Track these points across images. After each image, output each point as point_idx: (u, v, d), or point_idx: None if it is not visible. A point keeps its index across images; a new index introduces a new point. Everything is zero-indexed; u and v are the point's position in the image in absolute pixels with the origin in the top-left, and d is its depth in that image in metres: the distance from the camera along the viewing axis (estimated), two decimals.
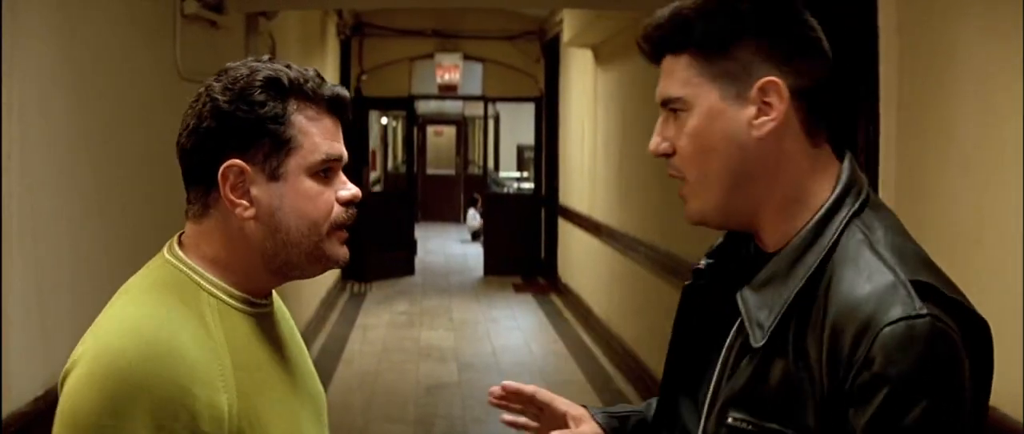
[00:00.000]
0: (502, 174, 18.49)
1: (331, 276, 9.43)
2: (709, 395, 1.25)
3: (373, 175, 14.21)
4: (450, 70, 11.80)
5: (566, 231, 9.95)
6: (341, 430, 5.76)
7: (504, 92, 12.29)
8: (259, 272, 1.31)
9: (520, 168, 18.90)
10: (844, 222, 1.20)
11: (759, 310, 1.20)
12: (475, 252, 13.39)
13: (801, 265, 1.19)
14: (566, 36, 8.77)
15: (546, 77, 10.95)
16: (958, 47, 2.45)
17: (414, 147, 13.68)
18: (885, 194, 2.82)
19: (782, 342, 1.18)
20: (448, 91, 12.16)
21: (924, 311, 1.13)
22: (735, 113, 1.21)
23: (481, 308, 9.64)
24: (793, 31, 1.24)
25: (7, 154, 2.39)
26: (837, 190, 1.22)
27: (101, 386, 1.18)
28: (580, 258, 8.96)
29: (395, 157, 18.80)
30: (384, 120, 17.70)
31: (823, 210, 1.21)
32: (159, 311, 1.23)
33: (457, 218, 18.22)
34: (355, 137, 10.78)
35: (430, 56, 11.81)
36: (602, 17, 7.12)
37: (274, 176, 1.28)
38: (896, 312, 1.12)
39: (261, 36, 5.41)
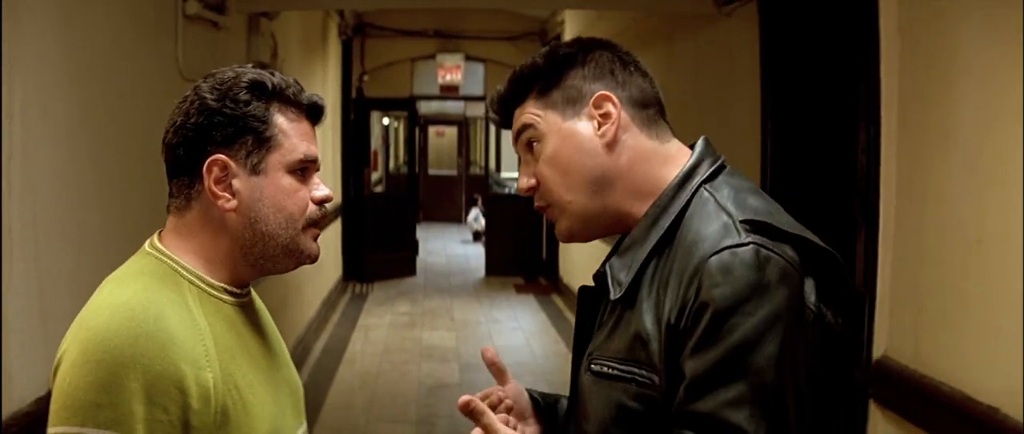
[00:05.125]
0: (503, 174, 18.48)
1: (333, 277, 9.44)
2: (585, 350, 1.38)
3: (375, 176, 14.20)
4: (452, 71, 11.81)
5: None
6: (343, 430, 5.76)
7: None
8: (237, 263, 1.40)
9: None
10: (694, 188, 1.34)
11: (620, 271, 1.35)
12: (476, 253, 13.39)
13: (656, 228, 1.34)
14: (567, 37, 8.76)
15: None
16: (959, 48, 2.45)
17: (416, 148, 13.66)
18: (886, 194, 2.82)
19: (639, 294, 1.31)
20: (450, 92, 12.17)
21: (747, 240, 1.23)
22: (581, 129, 1.38)
23: (483, 309, 9.64)
24: (612, 58, 1.41)
25: (8, 155, 2.39)
26: (688, 165, 1.37)
27: (94, 366, 1.23)
28: (582, 259, 8.96)
29: (396, 158, 18.79)
30: (385, 121, 17.69)
31: (675, 181, 1.36)
32: (145, 294, 1.30)
33: (459, 218, 18.21)
34: (356, 138, 10.78)
35: (432, 57, 11.82)
36: (603, 18, 7.12)
37: (255, 171, 1.37)
38: (722, 244, 1.23)
39: (263, 37, 5.41)
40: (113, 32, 3.21)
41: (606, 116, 1.37)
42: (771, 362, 1.18)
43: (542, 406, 1.54)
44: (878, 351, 2.81)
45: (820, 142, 3.72)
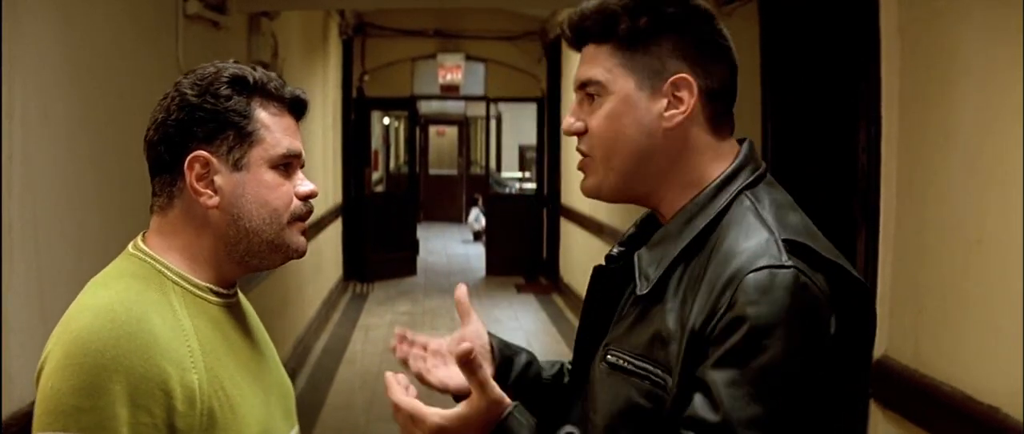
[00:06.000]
0: (504, 174, 18.50)
1: (333, 276, 9.44)
2: (603, 340, 1.35)
3: (375, 175, 14.20)
4: (452, 70, 11.79)
5: (568, 231, 9.95)
6: (343, 430, 5.77)
7: (506, 92, 12.27)
8: (222, 261, 1.37)
9: (522, 168, 18.90)
10: (735, 193, 1.31)
11: (649, 265, 1.32)
12: (477, 252, 13.39)
13: (691, 227, 1.30)
14: None
15: (548, 77, 10.94)
16: (959, 47, 2.45)
17: (416, 147, 13.66)
18: (886, 194, 2.82)
19: (665, 292, 1.28)
20: (450, 91, 12.14)
21: (789, 263, 1.21)
22: (648, 104, 1.32)
23: (483, 308, 9.63)
24: (708, 37, 1.34)
25: (8, 155, 2.39)
26: (732, 166, 1.33)
27: (77, 369, 1.21)
28: (582, 258, 8.96)
29: (397, 157, 18.80)
30: (386, 120, 17.70)
31: (717, 181, 1.32)
32: (128, 295, 1.27)
33: (459, 218, 18.21)
34: (357, 137, 10.78)
35: (432, 56, 11.80)
36: None
37: (237, 166, 1.34)
38: (762, 262, 1.20)
39: (263, 36, 5.41)
40: (113, 32, 3.21)
41: (678, 100, 1.31)
42: (791, 389, 1.18)
43: (497, 357, 1.52)
44: (878, 351, 2.80)
45: (820, 142, 3.72)
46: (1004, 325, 2.21)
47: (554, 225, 10.88)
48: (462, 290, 1.53)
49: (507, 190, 15.69)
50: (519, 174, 18.34)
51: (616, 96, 1.33)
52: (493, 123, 18.99)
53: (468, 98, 13.32)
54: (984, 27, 2.36)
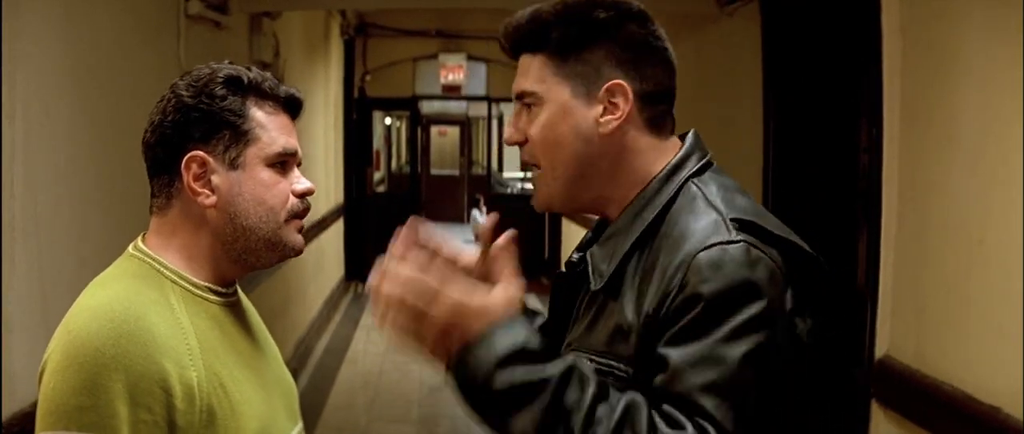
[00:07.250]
0: (506, 174, 18.48)
1: (335, 277, 9.44)
2: (564, 343, 1.35)
3: (377, 175, 14.21)
4: (454, 70, 11.80)
5: (569, 231, 9.94)
6: (345, 430, 5.77)
7: (508, 92, 12.20)
8: (220, 259, 1.39)
9: (524, 168, 18.87)
10: (681, 182, 1.31)
11: (601, 262, 1.32)
12: None
13: (640, 220, 1.30)
14: None
15: None
16: (961, 47, 2.45)
17: (418, 147, 13.67)
18: (888, 194, 2.82)
19: (620, 286, 1.28)
20: (452, 91, 12.16)
21: (738, 238, 1.22)
22: (583, 111, 1.33)
23: None
24: (642, 40, 1.33)
25: (9, 155, 2.39)
26: (676, 158, 1.33)
27: (77, 369, 1.22)
28: None
29: (399, 157, 18.80)
30: (388, 120, 17.70)
31: (662, 174, 1.33)
32: (127, 294, 1.29)
33: (461, 218, 18.21)
34: (359, 137, 10.78)
35: (434, 56, 11.81)
36: None
37: (234, 166, 1.36)
38: (712, 240, 1.21)
39: (265, 37, 5.41)
40: (115, 31, 3.21)
41: (614, 106, 1.32)
42: (747, 359, 1.18)
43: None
44: (880, 351, 2.80)
45: (822, 142, 3.72)
46: (1006, 325, 2.21)
47: (556, 225, 10.87)
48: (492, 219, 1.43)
49: (509, 190, 15.68)
50: (521, 174, 18.32)
51: (552, 105, 1.34)
52: (495, 123, 19.03)
53: (470, 98, 13.32)
54: (985, 27, 2.36)
